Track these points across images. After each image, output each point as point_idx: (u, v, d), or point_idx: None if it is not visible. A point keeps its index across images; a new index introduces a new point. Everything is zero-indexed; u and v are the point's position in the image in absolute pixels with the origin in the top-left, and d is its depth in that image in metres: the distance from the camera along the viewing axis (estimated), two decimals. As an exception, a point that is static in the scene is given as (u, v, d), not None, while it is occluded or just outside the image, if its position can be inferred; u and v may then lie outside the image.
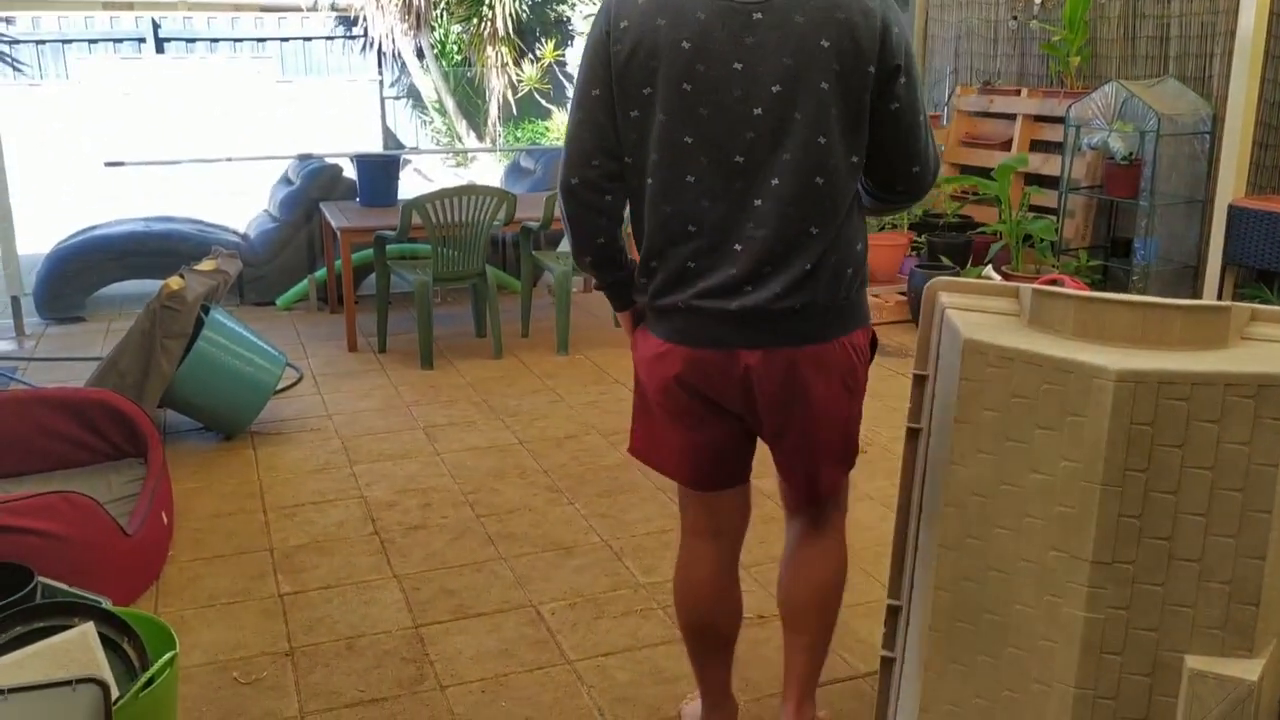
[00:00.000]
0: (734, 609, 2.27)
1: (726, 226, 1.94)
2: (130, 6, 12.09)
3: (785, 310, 1.96)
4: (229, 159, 8.28)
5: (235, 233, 6.85)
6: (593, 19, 2.00)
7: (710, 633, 2.27)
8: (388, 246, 5.59)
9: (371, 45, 14.40)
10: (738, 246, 1.94)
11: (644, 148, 1.94)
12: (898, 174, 2.02)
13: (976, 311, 2.12)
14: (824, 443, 2.15)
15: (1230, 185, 5.19)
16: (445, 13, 14.37)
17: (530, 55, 14.35)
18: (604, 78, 1.93)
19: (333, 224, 5.65)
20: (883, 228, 6.50)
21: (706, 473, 2.15)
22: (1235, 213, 5.13)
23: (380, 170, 6.10)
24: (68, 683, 1.85)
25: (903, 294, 6.02)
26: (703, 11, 1.87)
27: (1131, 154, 5.58)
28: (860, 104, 1.91)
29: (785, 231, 1.93)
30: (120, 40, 13.94)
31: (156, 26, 13.97)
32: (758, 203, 1.92)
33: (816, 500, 2.23)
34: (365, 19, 13.82)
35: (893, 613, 2.26)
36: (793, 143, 1.89)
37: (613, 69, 1.92)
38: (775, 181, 1.91)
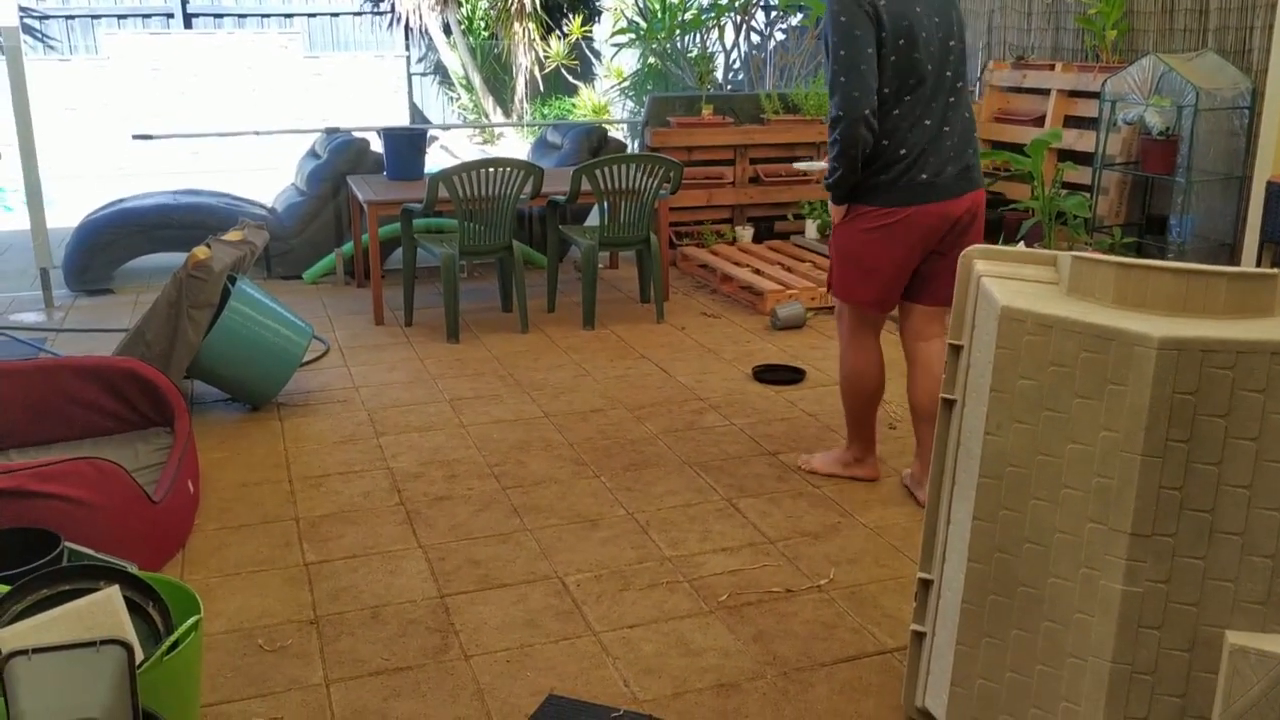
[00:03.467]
0: (885, 374, 3.54)
1: (944, 118, 3.21)
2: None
3: (974, 165, 3.28)
4: (256, 133, 8.29)
5: (262, 206, 6.85)
6: (845, 4, 3.10)
7: (876, 396, 3.52)
8: (414, 220, 5.57)
9: (398, 21, 14.35)
10: (946, 128, 3.21)
11: (901, 78, 3.14)
12: None
13: (1013, 280, 2.08)
14: None
15: (1269, 161, 5.08)
16: (472, -12, 14.31)
17: (557, 31, 14.26)
18: (874, 38, 3.08)
19: (359, 197, 5.64)
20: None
21: (892, 300, 3.40)
22: (1274, 189, 5.02)
23: (407, 144, 6.07)
24: (92, 644, 1.85)
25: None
26: None
27: (1168, 129, 5.48)
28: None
29: (965, 116, 3.26)
30: (149, 16, 13.95)
31: (185, 2, 13.98)
32: (951, 99, 3.23)
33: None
34: (393, -5, 13.78)
35: (924, 586, 2.23)
36: (957, 64, 3.24)
37: (883, 31, 3.09)
38: (960, 84, 3.26)
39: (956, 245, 3.26)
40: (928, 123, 3.17)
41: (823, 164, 3.79)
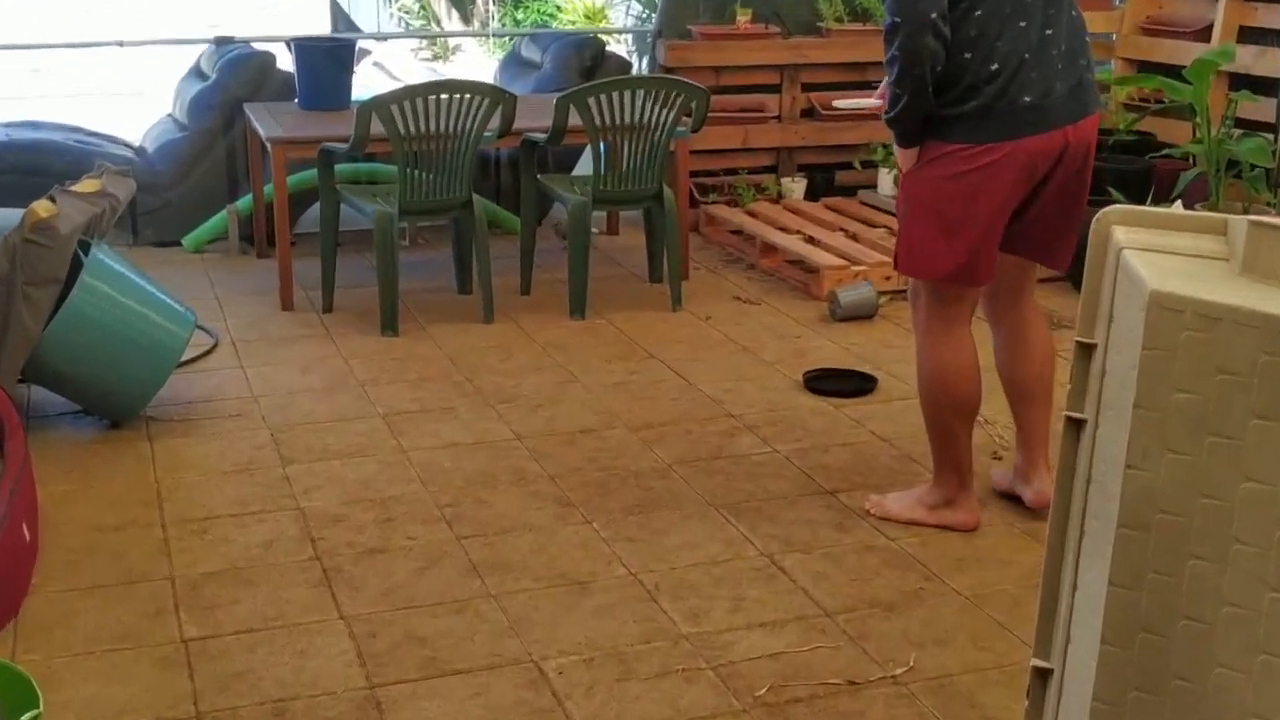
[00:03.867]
0: (980, 377, 3.58)
1: (1045, 19, 3.27)
2: None
3: (1086, 83, 3.40)
4: (120, 44, 8.30)
5: (128, 145, 6.88)
6: None
7: (970, 409, 3.57)
8: (338, 166, 5.59)
9: (317, -110, 14.42)
10: (1049, 31, 3.28)
11: None
12: None
13: (1167, 254, 2.08)
14: (1082, 205, 3.50)
15: None
16: None
17: (537, -94, 14.32)
18: None
19: (261, 133, 5.65)
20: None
21: (986, 269, 3.41)
22: None
23: (328, 60, 6.10)
24: (-110, 749, 1.86)
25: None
26: None
27: (1383, 47, 5.48)
28: None
29: (1072, 14, 3.38)
30: (-27, -119, 14.05)
31: None
32: (1052, 11, 3.30)
33: (1062, 265, 3.64)
34: None
35: (1040, 677, 2.24)
36: None
37: None
38: None
39: (1067, 187, 3.40)
40: (1023, 24, 3.22)
41: (874, 100, 3.78)
